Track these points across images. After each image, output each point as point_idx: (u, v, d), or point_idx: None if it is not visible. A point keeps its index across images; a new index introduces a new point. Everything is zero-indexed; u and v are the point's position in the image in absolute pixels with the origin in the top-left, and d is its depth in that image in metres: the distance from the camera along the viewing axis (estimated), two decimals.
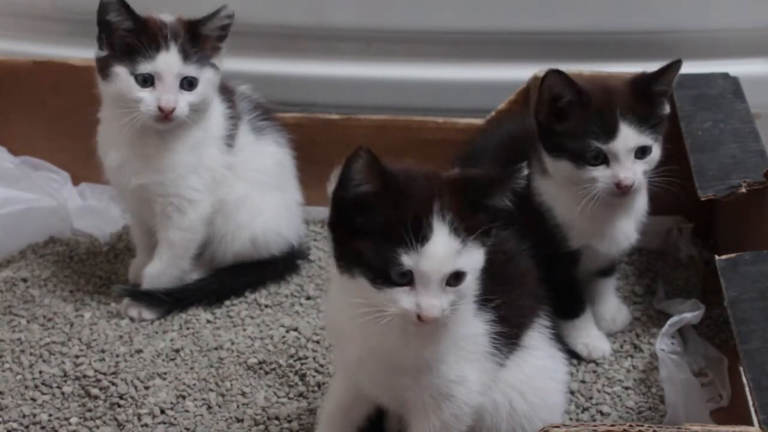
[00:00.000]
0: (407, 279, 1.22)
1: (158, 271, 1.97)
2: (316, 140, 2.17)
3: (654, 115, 1.68)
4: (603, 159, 1.66)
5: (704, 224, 2.16)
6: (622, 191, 1.66)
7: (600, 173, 1.66)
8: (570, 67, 1.85)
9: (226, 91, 1.99)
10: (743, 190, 1.70)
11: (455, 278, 1.23)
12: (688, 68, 2.11)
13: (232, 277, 2.02)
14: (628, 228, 1.77)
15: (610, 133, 1.65)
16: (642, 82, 1.69)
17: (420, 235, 1.21)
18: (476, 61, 2.34)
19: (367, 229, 1.23)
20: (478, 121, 2.13)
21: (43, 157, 2.38)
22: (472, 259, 1.25)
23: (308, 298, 2.02)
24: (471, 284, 1.26)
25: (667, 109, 1.72)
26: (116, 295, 2.01)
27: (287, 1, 2.38)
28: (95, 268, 2.14)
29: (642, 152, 1.67)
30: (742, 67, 2.14)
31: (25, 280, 2.07)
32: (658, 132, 1.69)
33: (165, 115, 1.81)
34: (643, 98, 1.68)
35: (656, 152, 1.68)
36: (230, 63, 2.08)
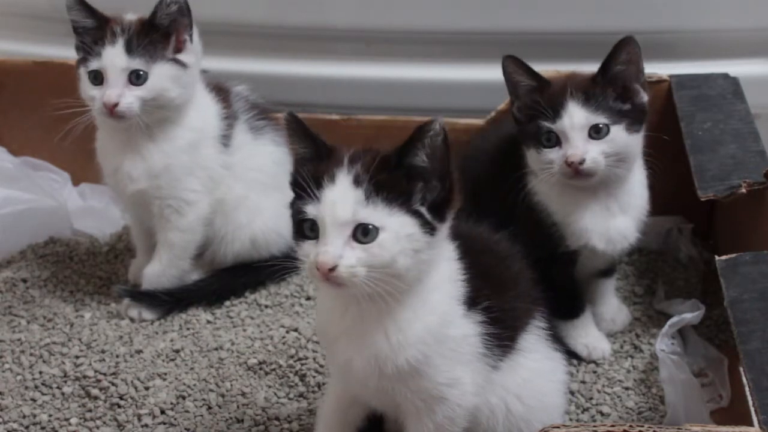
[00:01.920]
0: (317, 232, 1.24)
1: (158, 271, 1.97)
2: None
3: (612, 96, 1.67)
4: (556, 140, 1.68)
5: (704, 224, 2.16)
6: (573, 170, 1.66)
7: (554, 154, 1.68)
8: (570, 68, 1.85)
9: (220, 90, 1.99)
10: (743, 190, 1.70)
11: (363, 233, 1.23)
12: (688, 68, 2.13)
13: (232, 278, 2.02)
14: (626, 227, 1.77)
15: (557, 111, 1.67)
16: (601, 65, 1.70)
17: (321, 186, 1.24)
18: (476, 61, 2.34)
19: (299, 192, 1.28)
20: (478, 121, 2.13)
21: (43, 157, 2.39)
22: (388, 219, 1.23)
23: (308, 298, 2.02)
24: (389, 246, 1.22)
25: (642, 96, 1.71)
26: (116, 295, 2.01)
27: (286, 1, 2.38)
28: (95, 269, 2.14)
29: (596, 131, 1.67)
30: (742, 67, 2.14)
31: (25, 281, 2.07)
32: (623, 116, 1.68)
33: (110, 111, 1.81)
34: (601, 80, 1.69)
35: (618, 135, 1.67)
36: (230, 63, 2.09)
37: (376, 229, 1.23)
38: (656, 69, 2.03)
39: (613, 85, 1.68)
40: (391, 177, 1.24)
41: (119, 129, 1.87)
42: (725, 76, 2.07)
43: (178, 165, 1.90)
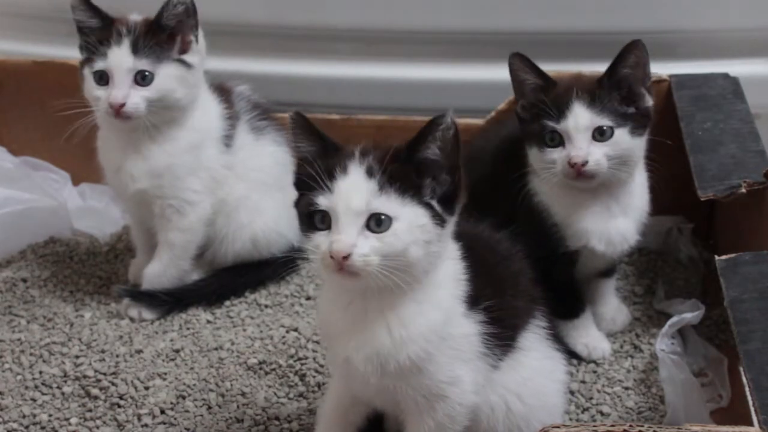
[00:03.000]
0: (328, 223, 1.25)
1: (158, 271, 1.97)
2: None
3: (617, 99, 1.68)
4: (560, 140, 1.68)
5: (704, 224, 2.16)
6: (576, 171, 1.66)
7: (557, 154, 1.68)
8: (570, 68, 1.86)
9: (223, 91, 1.99)
10: (743, 190, 1.70)
11: (377, 223, 1.24)
12: (688, 68, 2.13)
13: (232, 278, 2.02)
14: (626, 228, 1.77)
15: (562, 112, 1.67)
16: (608, 68, 1.70)
17: (334, 177, 1.25)
18: (476, 61, 2.34)
19: (306, 189, 1.29)
20: (478, 121, 2.13)
21: (43, 157, 2.39)
22: (402, 209, 1.25)
23: (308, 298, 2.02)
24: (402, 236, 1.24)
25: (647, 101, 1.71)
26: (116, 295, 2.01)
27: (287, 1, 2.38)
28: (95, 268, 2.14)
29: (600, 134, 1.67)
30: (742, 67, 2.14)
31: (25, 281, 2.07)
32: (630, 120, 1.68)
33: (116, 112, 1.80)
34: (607, 82, 1.69)
35: (622, 138, 1.68)
36: (230, 63, 2.09)
37: (390, 219, 1.24)
38: (656, 69, 2.01)
39: (619, 88, 1.68)
40: (403, 169, 1.26)
41: (123, 129, 1.87)
42: (725, 76, 2.07)
43: (181, 165, 1.90)
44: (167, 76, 1.84)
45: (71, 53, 2.26)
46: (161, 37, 1.83)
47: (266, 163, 2.04)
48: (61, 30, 2.47)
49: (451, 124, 1.25)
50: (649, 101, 1.71)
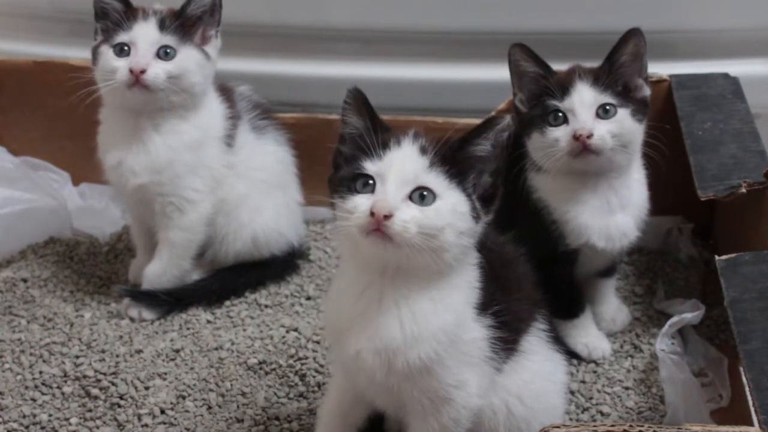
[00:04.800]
0: (371, 188, 1.25)
1: (159, 271, 1.97)
2: (316, 140, 2.16)
3: (617, 81, 1.70)
4: (564, 119, 1.69)
5: (704, 224, 2.16)
6: (581, 144, 1.66)
7: (561, 132, 1.69)
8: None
9: (225, 91, 2.00)
10: (743, 190, 1.70)
11: (421, 197, 1.25)
12: (688, 68, 2.13)
13: (232, 277, 2.02)
14: (625, 224, 1.77)
15: (566, 90, 1.69)
16: (608, 54, 1.72)
17: (387, 147, 1.28)
18: (476, 61, 2.34)
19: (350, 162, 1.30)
20: (478, 121, 2.11)
21: (43, 157, 2.39)
22: (447, 191, 1.26)
23: (308, 298, 2.02)
24: (444, 214, 1.25)
25: (644, 91, 1.73)
26: (116, 295, 2.01)
27: (287, 1, 2.38)
28: (95, 268, 2.14)
29: (605, 111, 1.68)
30: (742, 67, 2.14)
31: (25, 280, 2.07)
32: (629, 102, 1.70)
33: (136, 78, 1.81)
34: (606, 67, 1.71)
35: (625, 118, 1.69)
36: (230, 63, 2.09)
37: (433, 196, 1.25)
38: (656, 69, 2.02)
39: (618, 77, 1.70)
40: (453, 157, 1.28)
41: (129, 115, 1.87)
42: (725, 76, 2.07)
43: (182, 162, 1.90)
44: (189, 56, 1.86)
45: (71, 53, 2.27)
46: (186, 22, 1.87)
47: (267, 162, 2.04)
48: (61, 30, 2.48)
49: (506, 128, 1.27)
50: (647, 91, 1.74)
